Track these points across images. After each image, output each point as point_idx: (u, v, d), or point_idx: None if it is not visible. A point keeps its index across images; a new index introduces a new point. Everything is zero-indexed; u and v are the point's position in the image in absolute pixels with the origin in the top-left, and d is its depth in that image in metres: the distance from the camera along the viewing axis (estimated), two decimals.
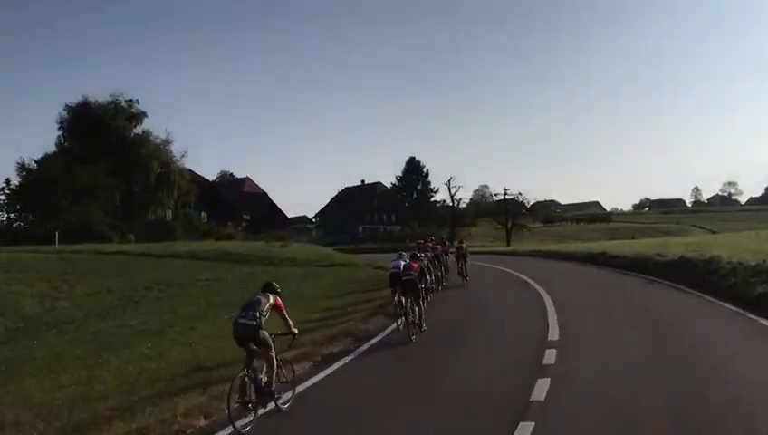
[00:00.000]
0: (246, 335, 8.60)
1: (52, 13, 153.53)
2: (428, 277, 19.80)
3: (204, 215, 75.62)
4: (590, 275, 28.29)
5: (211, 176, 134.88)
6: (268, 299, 8.98)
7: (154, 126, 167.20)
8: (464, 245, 27.60)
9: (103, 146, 57.89)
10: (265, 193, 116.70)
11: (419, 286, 15.26)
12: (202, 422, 8.79)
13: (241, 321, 8.68)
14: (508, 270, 32.34)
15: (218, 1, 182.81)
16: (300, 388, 9.90)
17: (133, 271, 32.14)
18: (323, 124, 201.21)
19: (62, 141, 59.50)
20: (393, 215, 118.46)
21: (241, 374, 8.47)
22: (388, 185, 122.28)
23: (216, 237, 61.92)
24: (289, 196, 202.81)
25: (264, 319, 8.74)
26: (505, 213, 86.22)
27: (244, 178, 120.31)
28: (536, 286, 23.51)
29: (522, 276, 28.06)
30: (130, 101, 61.95)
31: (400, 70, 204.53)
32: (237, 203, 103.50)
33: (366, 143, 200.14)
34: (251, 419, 8.38)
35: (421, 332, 14.52)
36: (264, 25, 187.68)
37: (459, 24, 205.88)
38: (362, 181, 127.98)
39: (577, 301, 19.56)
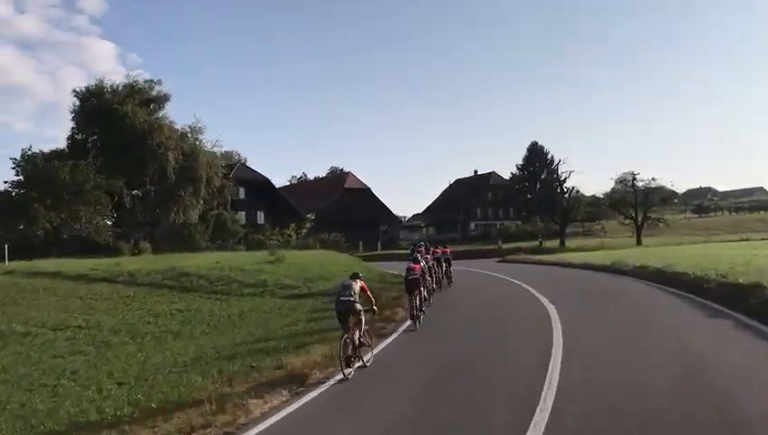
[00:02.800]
0: (346, 309, 11.58)
1: None
2: (429, 278, 21.03)
3: (259, 215, 64.89)
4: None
5: (318, 173, 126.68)
6: (357, 283, 11.97)
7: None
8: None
9: (113, 136, 47.87)
10: (368, 189, 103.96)
11: (421, 284, 17.28)
12: None
13: (342, 298, 11.67)
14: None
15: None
16: None
17: None
18: (433, 110, 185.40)
19: (76, 133, 49.98)
20: (510, 209, 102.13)
21: (344, 338, 11.21)
22: (506, 175, 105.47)
23: (245, 243, 50.45)
24: (397, 191, 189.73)
25: (357, 296, 11.72)
26: (635, 204, 67.86)
27: (346, 174, 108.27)
28: None
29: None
30: (151, 81, 51.63)
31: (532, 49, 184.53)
32: (336, 201, 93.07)
33: (481, 129, 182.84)
34: (351, 369, 11.17)
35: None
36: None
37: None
38: (475, 172, 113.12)
39: None
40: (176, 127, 51.58)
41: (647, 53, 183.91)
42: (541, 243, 59.86)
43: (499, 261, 46.34)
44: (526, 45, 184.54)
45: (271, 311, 20.82)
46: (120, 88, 50.22)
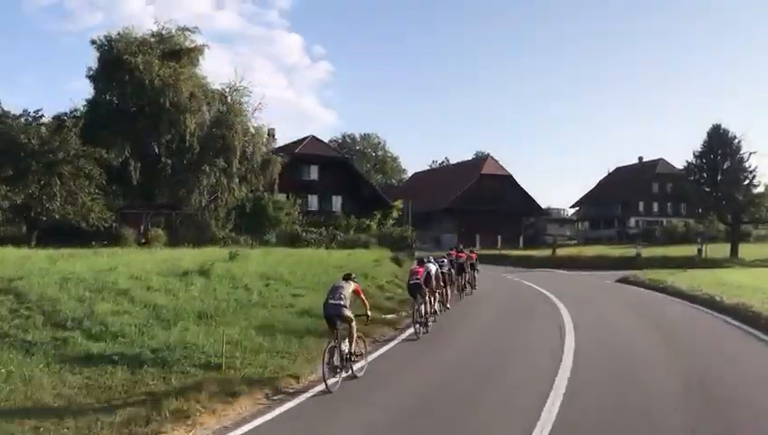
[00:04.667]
0: (335, 313, 10.72)
1: None
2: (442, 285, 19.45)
3: (335, 201, 53.09)
4: None
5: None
6: (350, 285, 11.10)
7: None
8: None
9: (127, 96, 38.27)
10: (509, 175, 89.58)
11: (425, 289, 16.23)
12: None
13: (331, 302, 10.77)
14: None
15: None
16: None
17: None
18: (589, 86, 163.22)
19: (98, 95, 40.83)
20: (682, 204, 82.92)
21: (330, 344, 10.53)
22: (678, 164, 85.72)
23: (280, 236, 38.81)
24: (545, 180, 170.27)
25: (347, 300, 10.82)
26: None
27: (484, 158, 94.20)
28: None
29: None
30: (186, 29, 41.03)
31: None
32: (472, 189, 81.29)
33: (652, 111, 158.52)
34: (337, 380, 10.42)
35: (427, 330, 15.93)
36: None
37: None
38: (639, 159, 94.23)
39: None
40: (208, 85, 40.93)
41: None
42: (700, 251, 42.60)
43: (619, 280, 31.16)
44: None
45: None
46: (150, 38, 40.31)
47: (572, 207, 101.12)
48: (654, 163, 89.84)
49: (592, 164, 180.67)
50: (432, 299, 17.08)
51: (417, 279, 16.08)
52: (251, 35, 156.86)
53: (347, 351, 10.72)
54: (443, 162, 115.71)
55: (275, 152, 44.13)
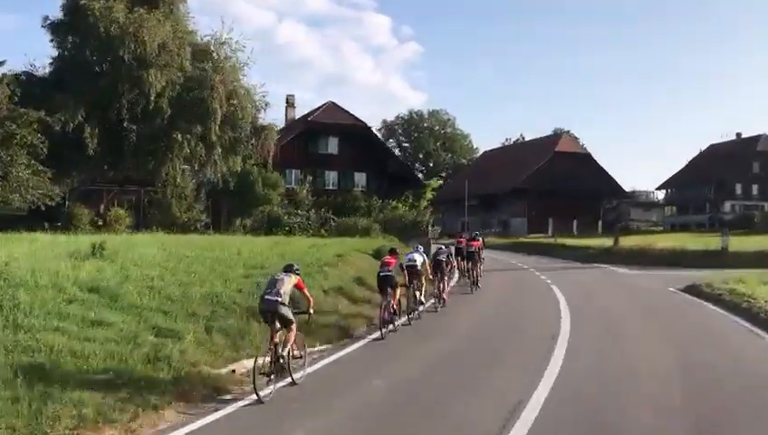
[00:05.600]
0: (271, 310, 9.39)
1: None
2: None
3: (359, 178, 45.29)
4: None
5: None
6: (290, 278, 9.71)
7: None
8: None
9: (85, 50, 32.04)
10: (587, 154, 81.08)
11: (395, 280, 14.45)
12: None
13: (267, 296, 9.46)
14: None
15: None
16: None
17: None
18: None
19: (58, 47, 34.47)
20: None
21: (265, 348, 9.41)
22: None
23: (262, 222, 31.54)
24: (628, 160, 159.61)
25: (286, 296, 9.49)
26: None
27: (559, 135, 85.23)
28: None
29: None
30: None
31: None
32: (544, 168, 73.97)
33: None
34: (271, 390, 8.99)
35: (396, 329, 14.14)
36: None
37: None
38: (737, 135, 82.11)
39: None
40: (188, 38, 33.85)
41: None
42: None
43: (686, 289, 22.08)
44: None
45: None
46: None
47: (658, 189, 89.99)
48: (755, 139, 78.30)
49: (683, 142, 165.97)
50: (417, 293, 15.92)
51: (389, 271, 14.40)
52: (339, 17, 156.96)
53: (286, 352, 9.53)
54: (517, 140, 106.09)
55: (292, 122, 36.89)
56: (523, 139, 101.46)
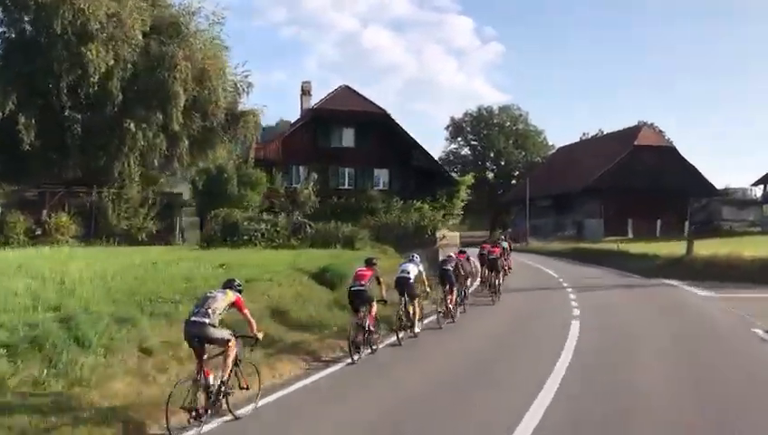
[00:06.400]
0: (198, 334, 7.77)
1: None
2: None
3: (379, 176, 38.30)
4: None
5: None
6: (226, 295, 8.15)
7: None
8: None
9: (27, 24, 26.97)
10: (672, 147, 74.49)
11: (369, 296, 12.49)
12: None
13: (193, 319, 7.85)
14: None
15: None
16: None
17: None
18: None
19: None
20: None
21: (188, 379, 7.66)
22: None
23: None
24: (718, 153, 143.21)
25: (219, 317, 7.94)
26: None
27: (639, 127, 77.00)
28: None
29: None
30: None
31: None
32: (622, 163, 66.77)
33: None
34: (195, 432, 7.39)
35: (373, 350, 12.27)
36: None
37: None
38: None
39: None
40: (154, 8, 28.05)
41: None
42: None
43: None
44: None
45: None
46: None
47: (755, 184, 79.12)
48: None
49: None
50: (410, 309, 13.78)
51: (361, 285, 12.33)
52: (422, 21, 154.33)
53: (218, 386, 7.76)
54: (596, 135, 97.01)
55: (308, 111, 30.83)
56: (602, 133, 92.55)
